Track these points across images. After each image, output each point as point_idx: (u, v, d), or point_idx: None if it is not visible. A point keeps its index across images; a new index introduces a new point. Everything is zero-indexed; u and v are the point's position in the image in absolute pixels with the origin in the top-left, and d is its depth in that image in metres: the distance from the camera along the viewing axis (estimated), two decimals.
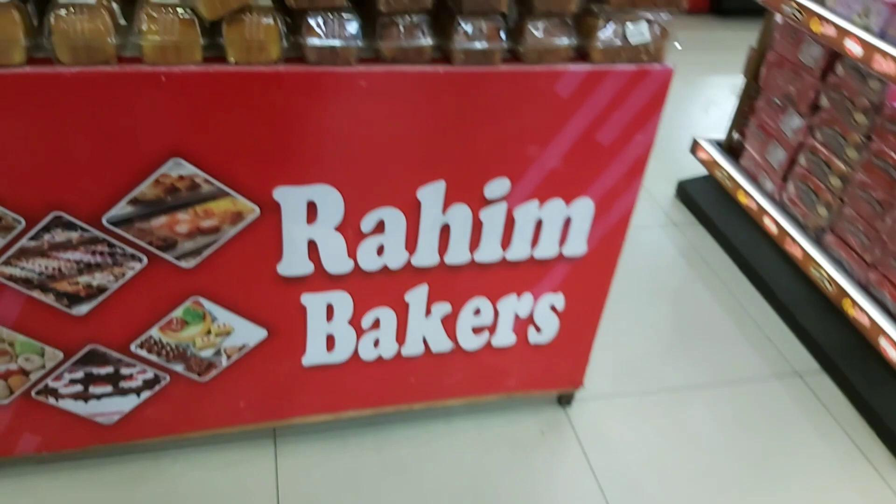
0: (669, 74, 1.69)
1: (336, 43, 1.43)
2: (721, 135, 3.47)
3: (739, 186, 3.15)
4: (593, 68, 1.63)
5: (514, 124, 1.66)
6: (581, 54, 1.64)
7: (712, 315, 2.87)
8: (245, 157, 1.54)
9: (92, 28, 1.32)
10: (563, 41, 1.58)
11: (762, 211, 3.01)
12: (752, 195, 3.07)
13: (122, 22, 1.40)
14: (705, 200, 3.34)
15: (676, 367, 2.62)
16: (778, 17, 2.93)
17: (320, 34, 1.43)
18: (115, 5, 1.38)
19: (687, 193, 3.44)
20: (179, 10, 1.36)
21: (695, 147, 3.45)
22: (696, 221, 3.39)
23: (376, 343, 1.97)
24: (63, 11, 1.31)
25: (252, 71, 1.43)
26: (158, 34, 1.35)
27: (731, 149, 3.37)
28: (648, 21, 1.61)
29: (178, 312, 1.74)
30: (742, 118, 3.28)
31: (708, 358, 2.68)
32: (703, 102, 4.52)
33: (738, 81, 3.40)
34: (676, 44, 1.66)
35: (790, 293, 2.83)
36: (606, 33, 1.59)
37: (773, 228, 2.95)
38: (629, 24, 1.59)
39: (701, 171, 3.50)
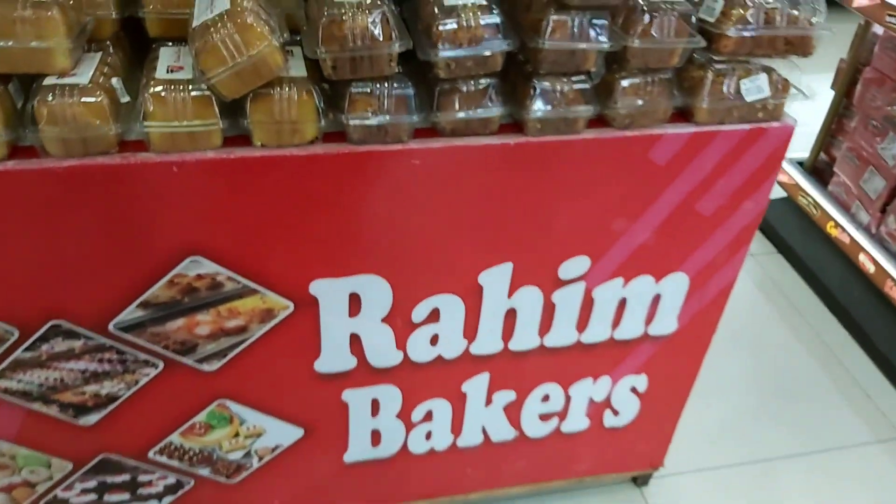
0: (789, 133, 1.38)
1: (385, 119, 1.15)
2: (801, 153, 3.11)
3: (828, 216, 2.81)
4: (697, 130, 1.33)
5: (597, 197, 1.37)
6: (682, 112, 1.34)
7: (802, 367, 2.55)
8: (276, 251, 1.28)
9: (86, 114, 1.06)
10: (662, 102, 1.28)
11: (857, 246, 2.66)
12: (844, 227, 2.73)
13: (125, 98, 1.14)
14: (786, 228, 3.01)
15: (764, 433, 2.31)
16: (878, 28, 2.57)
17: (366, 109, 1.15)
18: (115, 81, 1.12)
19: (763, 218, 3.09)
20: (192, 87, 1.09)
21: None
22: (775, 251, 3.06)
23: (428, 435, 1.71)
24: (50, 96, 1.05)
25: (283, 155, 1.16)
26: (167, 118, 1.09)
27: (816, 170, 3.02)
28: (768, 71, 1.30)
29: (201, 417, 1.49)
30: (829, 137, 2.93)
31: (799, 421, 2.36)
32: None
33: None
34: (804, 92, 1.35)
35: (892, 343, 2.49)
36: (715, 89, 1.29)
37: (869, 267, 2.61)
38: (745, 80, 1.28)
39: (777, 191, 3.14)
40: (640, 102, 1.26)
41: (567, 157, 1.29)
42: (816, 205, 2.88)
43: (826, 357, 2.58)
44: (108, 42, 1.22)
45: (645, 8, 1.19)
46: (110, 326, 1.30)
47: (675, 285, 1.57)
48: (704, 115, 1.31)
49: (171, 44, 1.23)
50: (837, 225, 2.77)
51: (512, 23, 1.20)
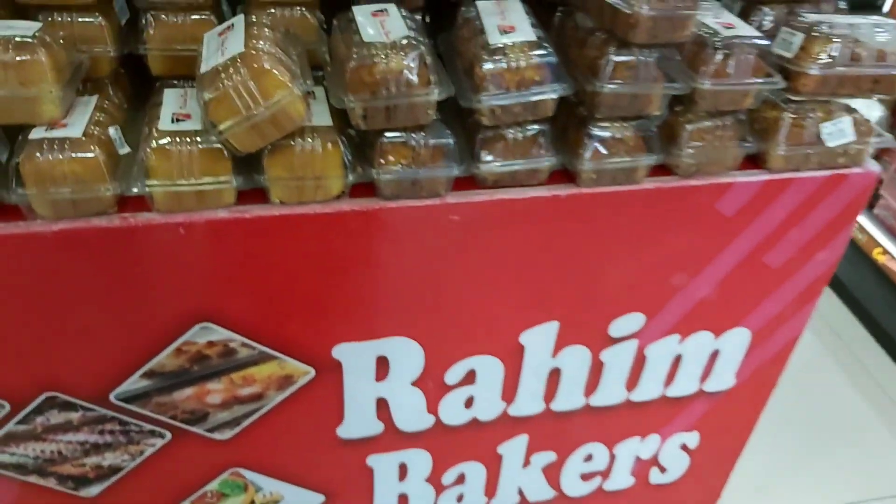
0: (872, 180, 1.23)
1: (420, 174, 1.01)
2: None
3: (875, 242, 2.64)
4: (771, 178, 1.17)
5: (656, 250, 1.22)
6: (753, 156, 1.19)
7: (851, 408, 2.39)
8: (296, 314, 1.14)
9: (79, 172, 0.93)
10: (733, 148, 1.12)
11: None
12: (893, 254, 2.56)
13: (125, 150, 1.01)
14: None
15: (814, 481, 2.15)
16: None
17: (399, 160, 1.01)
18: (112, 131, 0.98)
19: None
20: (200, 139, 0.95)
21: None
22: None
23: (460, 498, 1.57)
24: (38, 153, 0.91)
25: (305, 214, 1.02)
26: (172, 175, 0.95)
27: None
28: (852, 112, 1.15)
29: (213, 485, 1.36)
30: (876, 157, 2.75)
31: (851, 467, 2.20)
32: None
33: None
34: (891, 136, 1.19)
35: None
36: (793, 133, 1.13)
37: None
38: (826, 123, 1.12)
39: None
40: (707, 149, 1.11)
41: (624, 209, 1.15)
42: (861, 229, 2.71)
43: (877, 395, 2.41)
44: (105, 80, 1.08)
45: (717, 44, 1.04)
46: (111, 397, 1.16)
47: (736, 341, 1.41)
48: (779, 162, 1.15)
49: (176, 83, 1.10)
50: (886, 251, 2.60)
51: (563, 59, 1.05)
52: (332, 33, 1.07)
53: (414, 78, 0.94)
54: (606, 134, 1.06)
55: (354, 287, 1.13)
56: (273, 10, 1.08)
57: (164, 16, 1.05)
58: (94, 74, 1.06)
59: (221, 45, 0.94)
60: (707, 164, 1.13)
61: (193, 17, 1.06)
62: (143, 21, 1.04)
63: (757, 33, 1.06)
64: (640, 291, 1.28)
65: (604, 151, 1.06)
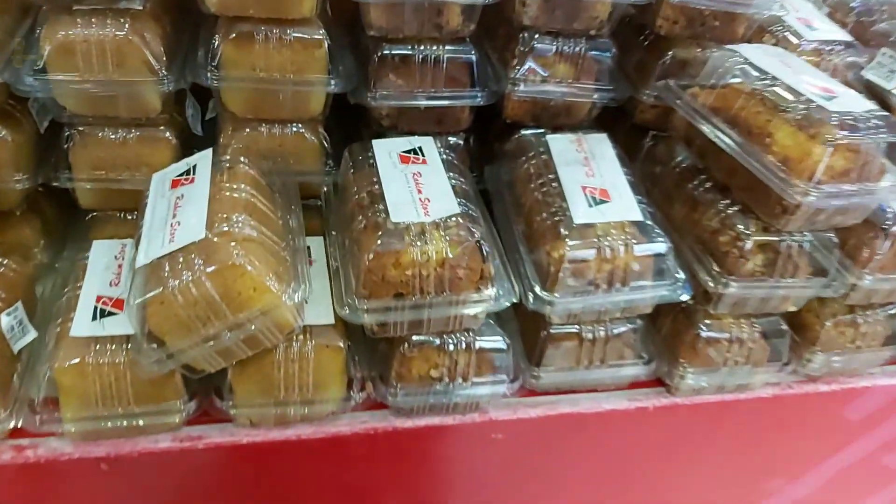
0: None
1: (456, 395, 0.70)
2: None
3: None
4: None
5: (753, 457, 0.93)
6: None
7: None
8: None
9: None
10: (877, 352, 0.82)
11: None
12: None
13: (27, 338, 0.68)
14: None
15: None
16: None
17: (428, 371, 0.69)
18: (5, 319, 0.66)
19: None
20: (125, 348, 0.62)
21: None
22: None
23: None
24: None
25: (285, 440, 0.70)
26: (92, 401, 0.63)
27: None
28: None
29: None
30: None
31: None
32: None
33: None
34: None
35: None
36: None
37: None
38: None
39: None
40: (847, 353, 0.80)
41: (727, 418, 0.84)
42: None
43: None
44: (14, 213, 0.76)
45: (886, 223, 0.73)
46: None
47: None
48: None
49: (117, 215, 0.78)
50: None
51: (653, 199, 0.74)
52: (343, 167, 0.75)
53: (460, 273, 0.62)
54: (722, 335, 0.75)
55: None
56: (260, 128, 0.76)
57: (97, 132, 0.72)
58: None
59: (173, 211, 0.61)
60: (842, 369, 0.83)
61: (137, 133, 0.73)
62: (67, 140, 0.72)
63: None
64: (724, 497, 0.98)
65: (715, 357, 0.76)
